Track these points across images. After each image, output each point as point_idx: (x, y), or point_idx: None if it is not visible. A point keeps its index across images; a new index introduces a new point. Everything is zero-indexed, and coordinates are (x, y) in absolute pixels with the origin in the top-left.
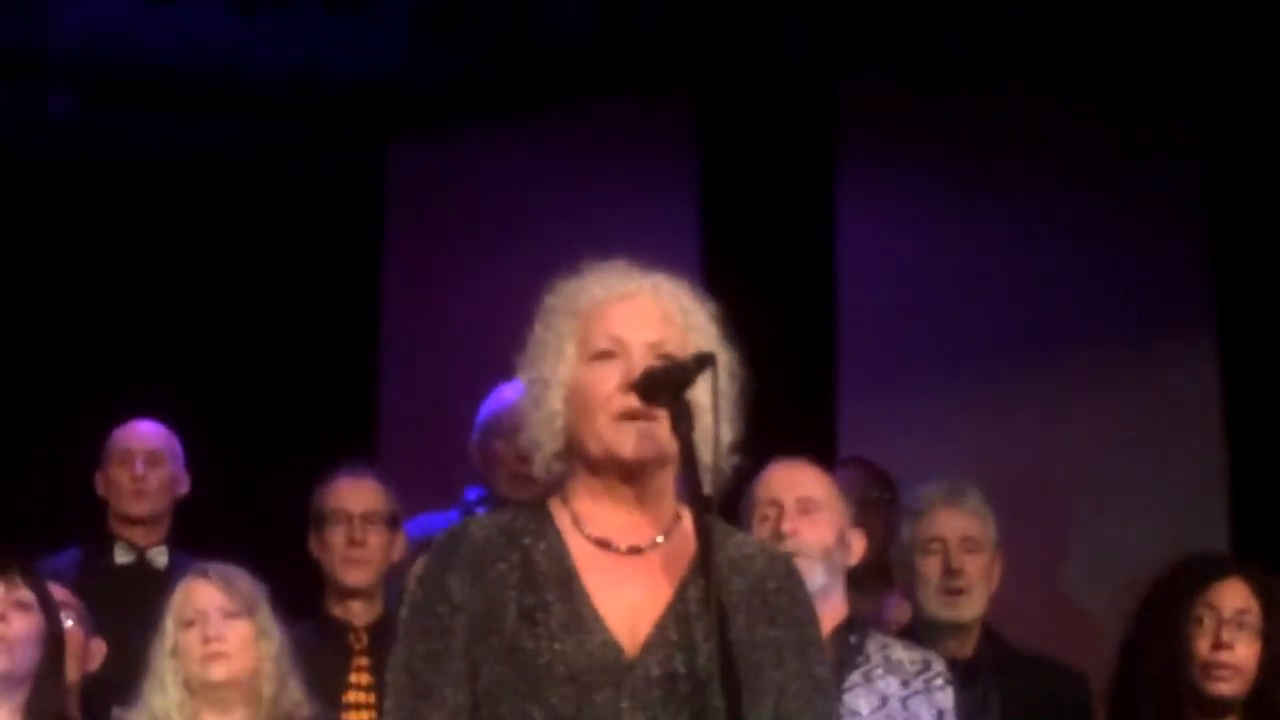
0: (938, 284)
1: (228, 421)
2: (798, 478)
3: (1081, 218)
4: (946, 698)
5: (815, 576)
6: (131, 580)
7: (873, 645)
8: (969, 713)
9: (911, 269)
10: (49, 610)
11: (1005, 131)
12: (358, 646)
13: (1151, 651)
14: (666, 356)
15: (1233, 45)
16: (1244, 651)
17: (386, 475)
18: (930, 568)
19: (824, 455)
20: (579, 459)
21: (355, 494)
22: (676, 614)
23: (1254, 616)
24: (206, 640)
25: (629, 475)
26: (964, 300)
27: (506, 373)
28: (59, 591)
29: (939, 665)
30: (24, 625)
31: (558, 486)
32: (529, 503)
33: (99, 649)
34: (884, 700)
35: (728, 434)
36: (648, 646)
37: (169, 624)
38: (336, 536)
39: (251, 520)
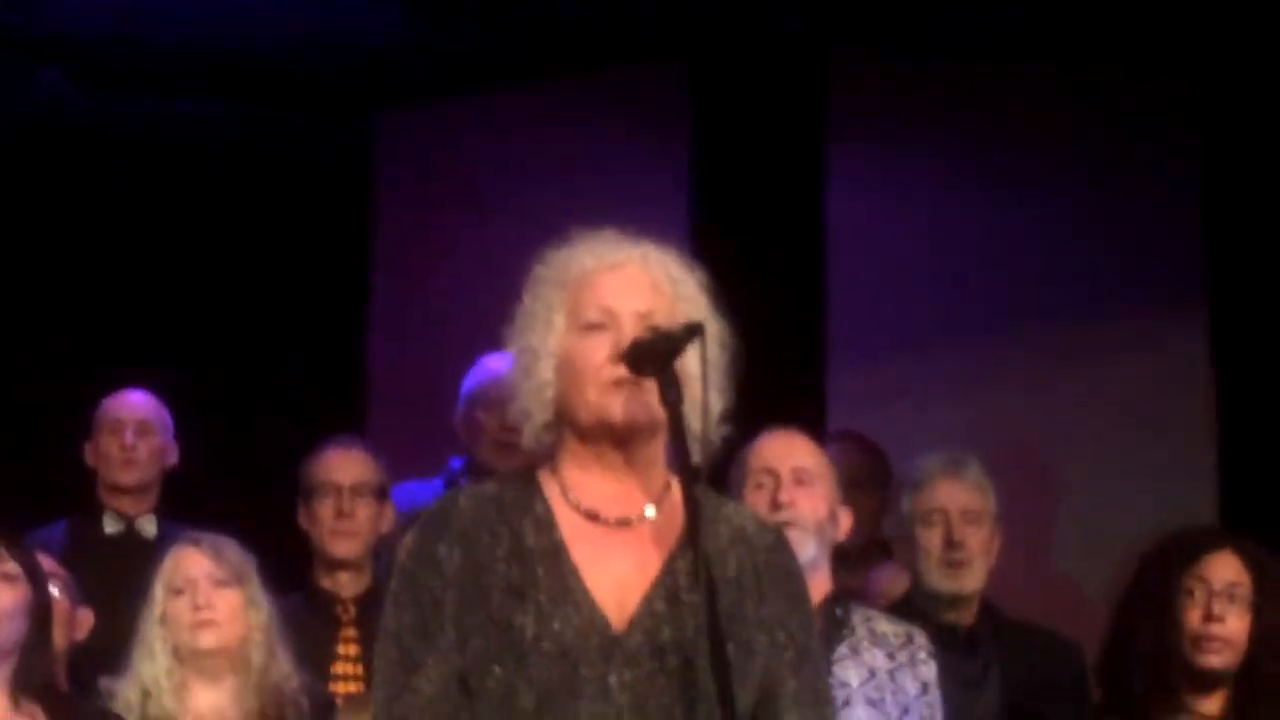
0: (927, 257)
1: (217, 394)
2: (793, 447)
3: (1073, 193)
4: (930, 670)
5: (807, 549)
6: (120, 550)
7: (857, 618)
8: (969, 683)
9: (902, 242)
10: (36, 581)
11: (997, 106)
12: (345, 618)
13: (1142, 624)
14: (656, 326)
15: (1227, 15)
16: (1235, 624)
17: (376, 447)
18: (931, 539)
19: (812, 427)
20: (569, 428)
21: (344, 466)
22: (665, 587)
23: (1245, 589)
24: (196, 608)
25: (619, 441)
26: (954, 274)
27: (495, 344)
28: (45, 561)
29: (921, 638)
30: (10, 597)
31: (545, 457)
32: (518, 473)
33: (86, 619)
34: (872, 673)
35: (717, 404)
36: (635, 620)
37: (158, 592)
38: (325, 508)
39: (239, 492)
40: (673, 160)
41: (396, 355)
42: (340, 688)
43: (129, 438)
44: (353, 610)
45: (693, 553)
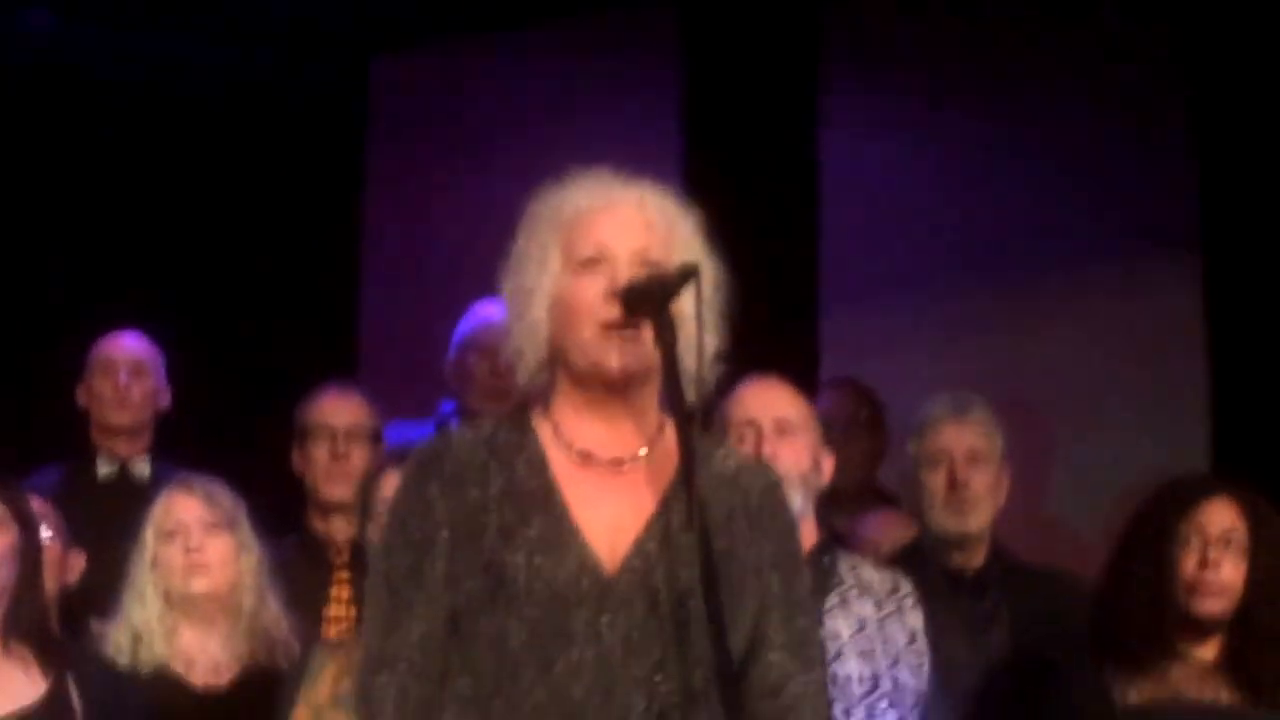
0: (921, 200)
1: (209, 337)
2: (774, 398)
3: (1067, 136)
4: (917, 618)
5: (794, 501)
6: (114, 492)
7: (844, 566)
8: (978, 625)
9: (895, 185)
10: (25, 524)
11: (992, 45)
12: (339, 561)
13: (1137, 571)
14: (651, 265)
15: None
16: (1230, 571)
17: (369, 391)
18: (935, 482)
19: (805, 370)
20: (562, 369)
21: (339, 409)
22: (658, 529)
23: (1241, 536)
24: (187, 553)
25: (613, 388)
26: (947, 218)
27: (488, 288)
28: (36, 504)
29: (907, 586)
30: None
31: (537, 398)
32: (510, 414)
33: (78, 561)
34: (862, 624)
35: (711, 344)
36: (628, 563)
37: (149, 536)
38: (320, 451)
39: (231, 435)
40: (666, 102)
41: (389, 298)
42: (332, 631)
43: (123, 378)
44: (346, 554)
45: (687, 494)
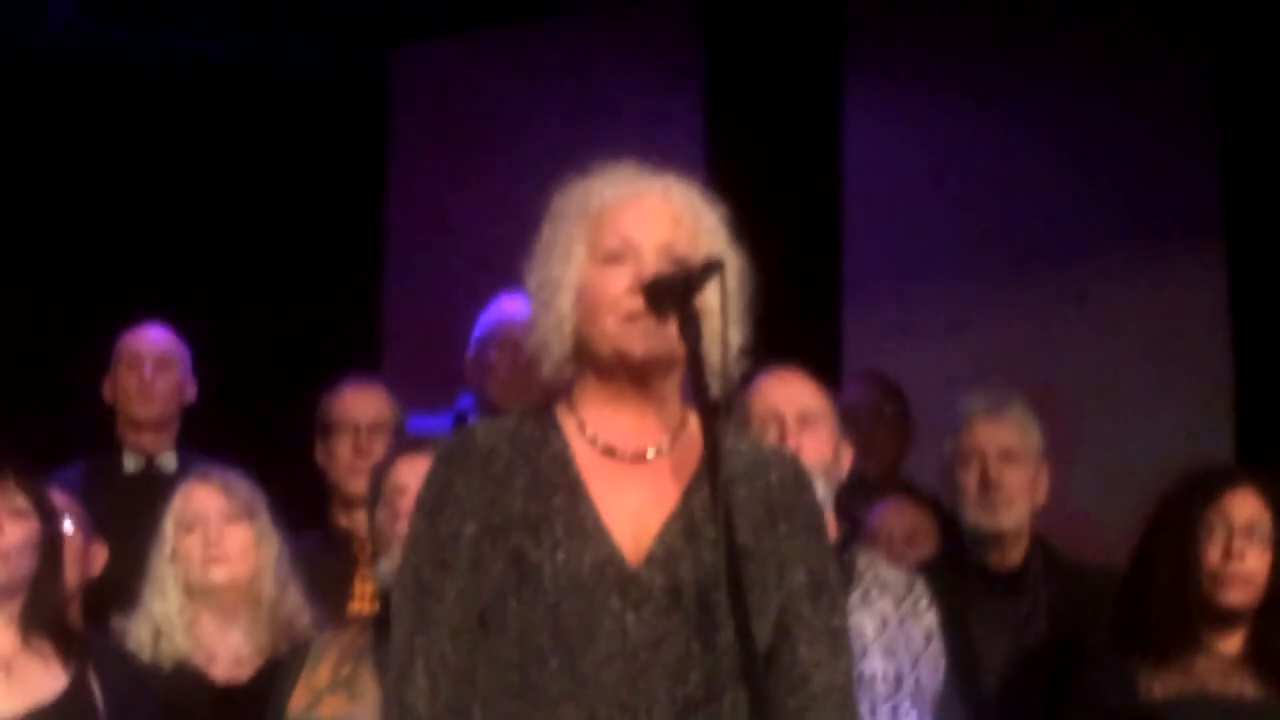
0: (944, 189)
1: (232, 331)
2: (797, 390)
3: (1089, 122)
4: (932, 619)
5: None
6: (140, 486)
7: (862, 562)
8: (1016, 623)
9: (918, 174)
10: (46, 516)
11: (1014, 32)
12: (362, 556)
13: (1161, 562)
14: (677, 258)
15: None
16: (1255, 561)
17: (392, 384)
18: (968, 479)
19: (828, 360)
20: (587, 362)
21: (362, 403)
22: (682, 522)
23: (1265, 526)
24: (207, 544)
25: (637, 376)
26: (970, 205)
27: (511, 279)
28: (58, 497)
29: (920, 586)
30: (19, 532)
31: (562, 392)
32: (535, 408)
33: (100, 554)
34: (884, 622)
35: (736, 338)
36: (651, 555)
37: (169, 529)
38: (343, 446)
39: (255, 429)
40: (689, 95)
41: (411, 290)
42: None
43: (148, 372)
44: (369, 548)
45: (711, 487)
